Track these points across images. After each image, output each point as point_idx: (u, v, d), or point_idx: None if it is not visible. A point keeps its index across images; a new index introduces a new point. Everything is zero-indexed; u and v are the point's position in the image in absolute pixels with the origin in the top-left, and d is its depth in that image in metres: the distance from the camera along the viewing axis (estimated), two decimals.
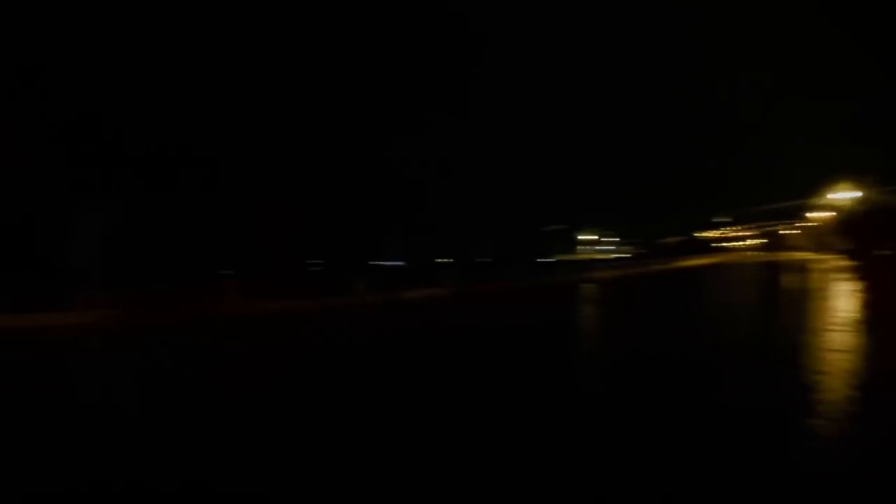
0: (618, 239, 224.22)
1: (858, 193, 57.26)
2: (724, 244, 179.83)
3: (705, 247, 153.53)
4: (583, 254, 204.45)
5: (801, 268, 47.91)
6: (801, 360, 9.43)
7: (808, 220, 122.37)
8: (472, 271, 35.96)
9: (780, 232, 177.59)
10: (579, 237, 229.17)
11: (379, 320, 19.24)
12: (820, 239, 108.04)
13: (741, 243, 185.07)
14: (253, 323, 17.18)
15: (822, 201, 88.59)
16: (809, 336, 12.25)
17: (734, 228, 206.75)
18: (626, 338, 13.48)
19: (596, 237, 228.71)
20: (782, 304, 20.34)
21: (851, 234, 61.95)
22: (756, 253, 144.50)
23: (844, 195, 61.75)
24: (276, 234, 59.85)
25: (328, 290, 24.08)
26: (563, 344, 12.93)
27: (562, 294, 27.76)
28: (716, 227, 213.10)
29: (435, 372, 9.41)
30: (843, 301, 19.48)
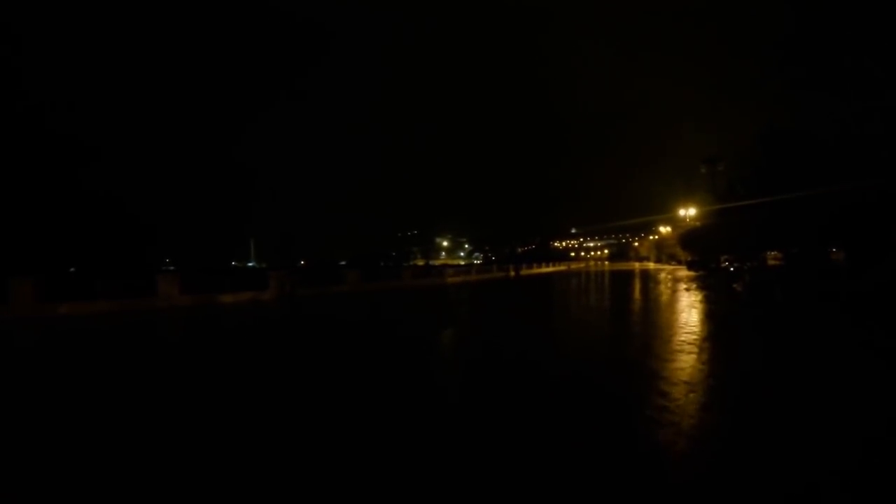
0: (469, 247, 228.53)
1: (703, 209, 57.16)
2: (576, 254, 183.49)
3: (557, 255, 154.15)
4: (439, 259, 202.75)
5: (646, 276, 47.33)
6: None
7: (654, 233, 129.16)
8: (315, 274, 35.30)
9: (627, 244, 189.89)
10: (437, 242, 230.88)
11: (162, 325, 16.02)
12: (664, 251, 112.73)
13: (592, 253, 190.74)
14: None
15: (668, 217, 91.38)
16: (647, 357, 8.47)
17: (586, 239, 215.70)
18: (461, 350, 10.49)
19: (449, 243, 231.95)
20: (625, 315, 15.92)
21: (693, 247, 62.83)
22: (604, 263, 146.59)
23: (689, 211, 63.97)
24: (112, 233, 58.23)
25: (141, 291, 21.80)
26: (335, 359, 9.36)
27: (395, 298, 25.09)
28: (571, 237, 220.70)
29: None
30: (685, 313, 14.90)
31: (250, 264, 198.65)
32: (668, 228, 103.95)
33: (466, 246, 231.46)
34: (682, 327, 11.81)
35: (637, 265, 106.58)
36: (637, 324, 13.63)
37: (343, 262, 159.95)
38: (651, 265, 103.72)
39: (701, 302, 19.06)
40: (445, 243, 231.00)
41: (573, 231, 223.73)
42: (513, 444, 4.54)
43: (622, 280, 41.03)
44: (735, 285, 27.68)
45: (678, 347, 9.11)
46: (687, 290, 25.93)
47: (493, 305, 21.49)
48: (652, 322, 13.50)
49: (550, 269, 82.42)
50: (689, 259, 69.19)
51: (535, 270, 72.38)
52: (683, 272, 54.88)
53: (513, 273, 54.86)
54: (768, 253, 52.26)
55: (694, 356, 8.33)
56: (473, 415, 5.53)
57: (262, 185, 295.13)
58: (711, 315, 15.11)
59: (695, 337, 10.30)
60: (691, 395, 5.99)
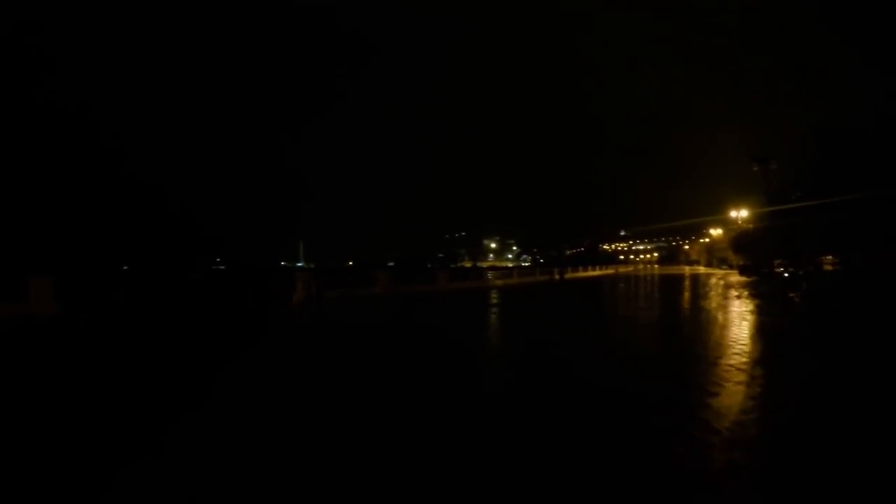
0: (517, 249, 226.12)
1: (755, 211, 54.08)
2: (625, 257, 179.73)
3: (605, 258, 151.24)
4: (486, 261, 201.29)
5: (696, 282, 45.65)
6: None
7: (704, 236, 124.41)
8: (346, 276, 34.91)
9: (677, 247, 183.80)
10: (485, 244, 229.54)
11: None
12: (714, 254, 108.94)
13: (641, 256, 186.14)
14: None
15: (719, 219, 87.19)
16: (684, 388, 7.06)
17: (635, 242, 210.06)
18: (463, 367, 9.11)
19: (497, 245, 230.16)
20: (668, 329, 14.42)
21: (746, 250, 59.43)
22: (654, 266, 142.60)
23: (740, 213, 59.49)
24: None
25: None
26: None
27: (422, 302, 24.29)
28: (620, 240, 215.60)
29: None
30: (735, 328, 13.22)
31: (299, 264, 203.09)
32: (720, 231, 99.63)
33: (515, 248, 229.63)
34: (730, 346, 10.26)
35: (687, 269, 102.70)
36: (680, 340, 12.21)
37: (391, 264, 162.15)
38: (701, 269, 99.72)
39: (753, 313, 17.22)
40: (493, 245, 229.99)
41: (622, 234, 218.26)
42: None
43: (670, 286, 39.22)
44: (792, 294, 25.43)
45: (724, 375, 7.64)
46: (738, 297, 23.99)
47: (524, 313, 20.29)
48: (696, 339, 11.98)
49: (597, 272, 79.92)
50: (740, 263, 65.78)
51: (581, 274, 70.12)
52: (735, 277, 51.98)
53: (557, 276, 52.92)
54: (824, 258, 48.87)
55: (742, 388, 6.86)
56: (432, 473, 4.33)
57: (315, 187, 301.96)
58: (765, 331, 13.42)
59: (745, 360, 8.78)
60: (735, 452, 4.61)
